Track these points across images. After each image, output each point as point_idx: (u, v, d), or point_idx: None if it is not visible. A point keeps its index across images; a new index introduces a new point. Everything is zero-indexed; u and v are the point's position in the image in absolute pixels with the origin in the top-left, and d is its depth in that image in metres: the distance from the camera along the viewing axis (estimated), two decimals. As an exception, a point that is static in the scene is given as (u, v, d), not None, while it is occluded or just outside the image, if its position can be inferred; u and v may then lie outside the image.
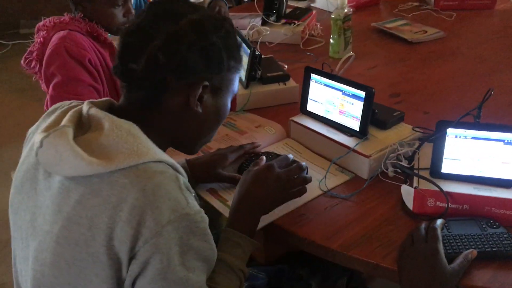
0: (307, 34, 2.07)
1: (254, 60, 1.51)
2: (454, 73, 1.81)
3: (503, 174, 1.09)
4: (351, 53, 1.53)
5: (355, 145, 1.22)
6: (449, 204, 1.06)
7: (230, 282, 0.94)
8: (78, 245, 0.80)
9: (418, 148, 1.20)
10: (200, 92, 0.90)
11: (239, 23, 2.13)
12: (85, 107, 0.88)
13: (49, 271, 0.83)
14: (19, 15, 4.66)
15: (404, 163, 1.19)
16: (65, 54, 1.40)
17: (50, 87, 1.43)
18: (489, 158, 1.09)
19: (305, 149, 1.33)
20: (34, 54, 1.48)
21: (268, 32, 2.04)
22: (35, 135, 0.91)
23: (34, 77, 1.54)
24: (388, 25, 2.19)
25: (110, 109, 0.89)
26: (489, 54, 1.95)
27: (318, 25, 2.15)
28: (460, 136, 1.09)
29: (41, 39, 1.46)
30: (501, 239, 1.00)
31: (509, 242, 0.99)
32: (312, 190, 1.17)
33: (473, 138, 1.09)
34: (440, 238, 0.97)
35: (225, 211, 1.13)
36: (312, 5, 2.46)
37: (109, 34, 1.55)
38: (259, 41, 2.02)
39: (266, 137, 1.37)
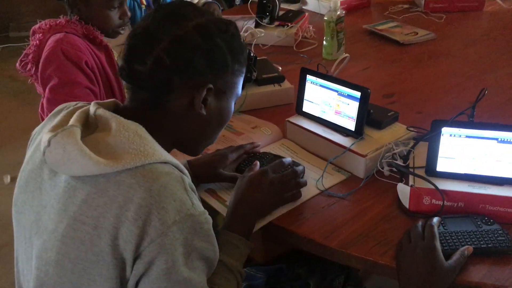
0: (300, 36, 2.10)
1: (250, 61, 1.52)
2: (445, 73, 1.84)
3: (497, 172, 1.11)
4: (345, 54, 1.55)
5: (351, 145, 1.24)
6: (445, 202, 1.08)
7: (228, 283, 0.95)
8: (83, 244, 0.80)
9: (413, 147, 1.22)
10: (204, 94, 0.91)
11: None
12: (92, 107, 0.88)
13: (53, 270, 0.83)
14: (8, 18, 4.64)
15: (400, 162, 1.21)
16: (61, 56, 1.40)
17: (47, 90, 1.43)
18: (483, 156, 1.11)
19: (301, 150, 1.35)
20: (30, 56, 1.48)
21: (262, 34, 2.05)
22: (40, 135, 0.91)
23: (29, 80, 1.54)
24: (379, 27, 2.21)
25: (115, 110, 0.90)
26: (479, 55, 1.99)
27: (311, 27, 2.17)
28: (454, 135, 1.11)
29: (37, 41, 1.46)
30: (495, 235, 1.02)
31: (503, 238, 1.01)
32: (310, 190, 1.19)
33: (467, 136, 1.11)
34: (437, 235, 0.99)
35: (224, 211, 1.14)
36: (304, 7, 2.48)
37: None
38: (254, 43, 2.04)
39: (262, 138, 1.38)
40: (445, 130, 1.11)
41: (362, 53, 2.01)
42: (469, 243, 1.00)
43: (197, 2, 2.18)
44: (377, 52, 2.05)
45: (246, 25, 2.09)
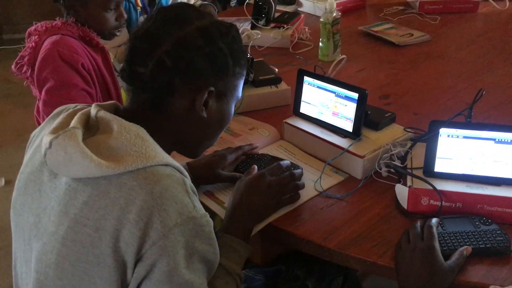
0: (296, 38, 2.10)
1: (247, 64, 1.52)
2: (441, 74, 1.85)
3: (494, 172, 1.11)
4: (342, 55, 1.55)
5: (349, 146, 1.24)
6: (443, 202, 1.09)
7: (227, 286, 0.95)
8: (84, 246, 0.80)
9: (410, 148, 1.23)
10: (205, 97, 0.91)
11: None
12: (93, 109, 0.88)
13: (53, 273, 0.83)
14: (2, 20, 4.61)
15: (397, 163, 1.21)
16: (58, 58, 1.40)
17: (43, 92, 1.42)
18: (480, 156, 1.11)
19: (299, 151, 1.35)
20: (26, 59, 1.47)
21: (259, 36, 2.05)
22: (40, 137, 0.91)
23: (25, 82, 1.53)
24: (374, 29, 2.22)
25: (115, 112, 0.90)
26: (474, 56, 2.00)
27: (307, 29, 2.17)
28: (452, 136, 1.12)
29: (33, 43, 1.46)
30: (494, 235, 1.02)
31: (501, 238, 1.02)
32: (308, 191, 1.19)
33: (465, 137, 1.11)
34: (436, 236, 0.99)
35: (222, 213, 1.14)
36: (299, 9, 2.48)
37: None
38: (250, 45, 2.04)
39: (260, 139, 1.38)
40: (443, 131, 1.12)
41: (357, 54, 2.02)
42: (467, 243, 1.01)
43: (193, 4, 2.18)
44: (372, 53, 2.06)
45: (242, 27, 2.09)
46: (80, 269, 0.80)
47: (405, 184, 1.16)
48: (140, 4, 2.16)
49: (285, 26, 2.11)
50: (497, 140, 1.10)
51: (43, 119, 1.45)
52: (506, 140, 1.09)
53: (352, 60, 1.91)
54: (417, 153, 1.22)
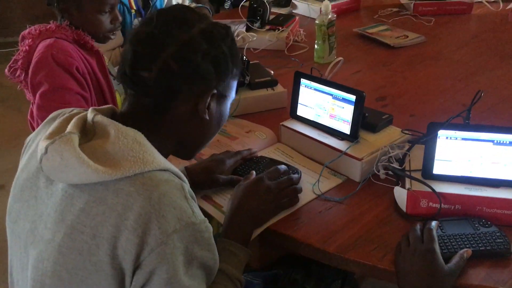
0: (291, 40, 2.09)
1: (242, 66, 1.51)
2: (436, 76, 1.85)
3: (493, 174, 1.11)
4: (339, 58, 1.54)
5: (347, 148, 1.23)
6: (442, 204, 1.08)
7: None
8: (81, 254, 0.78)
9: (408, 150, 1.22)
10: (209, 100, 0.91)
11: (223, 30, 2.13)
12: (90, 114, 0.87)
13: (50, 281, 0.81)
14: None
15: (396, 165, 1.21)
16: (52, 62, 1.38)
17: (37, 96, 1.40)
18: (479, 158, 1.11)
19: (296, 153, 1.34)
20: (19, 62, 1.45)
21: (254, 38, 2.05)
22: (35, 142, 0.90)
23: (19, 86, 1.52)
24: (369, 31, 2.22)
25: (112, 116, 0.89)
26: (469, 57, 2.00)
27: (302, 31, 2.16)
28: (450, 138, 1.11)
29: (27, 47, 1.44)
30: (493, 237, 1.02)
31: (501, 240, 1.01)
32: (306, 194, 1.18)
33: (463, 139, 1.11)
34: (436, 238, 0.99)
35: (220, 217, 1.13)
36: (294, 11, 2.48)
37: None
38: (245, 47, 2.03)
39: (257, 142, 1.37)
40: (441, 133, 1.11)
41: (353, 56, 2.01)
42: (467, 245, 1.00)
43: (187, 7, 2.17)
44: (368, 55, 2.05)
45: (237, 29, 2.08)
46: (77, 277, 0.79)
47: (403, 186, 1.15)
48: (134, 7, 2.15)
49: (280, 28, 2.10)
50: (495, 141, 1.09)
51: (37, 124, 1.44)
52: (504, 142, 1.09)
53: (348, 62, 1.91)
54: (415, 155, 1.21)
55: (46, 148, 0.80)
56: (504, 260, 1.00)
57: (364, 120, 1.28)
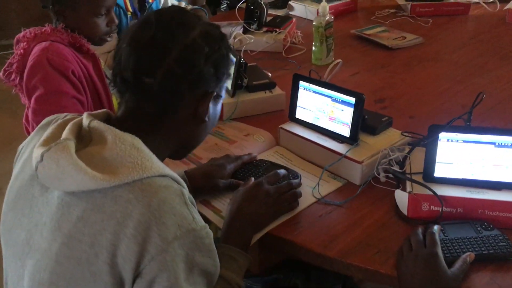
0: (289, 42, 2.08)
1: (240, 68, 1.50)
2: (435, 77, 1.84)
3: (494, 176, 1.10)
4: (337, 60, 1.53)
5: (347, 151, 1.22)
6: (444, 207, 1.07)
7: None
8: (79, 263, 0.77)
9: (409, 152, 1.21)
10: (209, 102, 0.91)
11: (220, 32, 2.12)
12: (85, 119, 0.85)
13: (47, 291, 0.79)
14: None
15: (396, 168, 1.19)
16: (47, 66, 1.36)
17: (32, 100, 1.38)
18: (480, 161, 1.10)
19: (296, 157, 1.33)
20: (14, 66, 1.43)
21: (252, 41, 2.03)
22: (28, 149, 0.88)
23: (13, 90, 1.50)
24: (367, 32, 2.20)
25: (107, 120, 0.87)
26: (468, 58, 1.99)
27: (299, 33, 2.15)
28: (452, 140, 1.10)
29: (21, 50, 1.42)
30: (496, 241, 1.01)
31: (504, 244, 1.00)
32: (306, 198, 1.17)
33: (464, 141, 1.10)
34: (439, 243, 0.97)
35: (219, 222, 1.11)
36: (291, 13, 2.46)
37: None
38: (243, 49, 2.01)
39: (256, 146, 1.36)
40: (443, 135, 1.10)
41: (351, 58, 2.00)
42: (470, 249, 0.99)
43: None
44: (366, 57, 2.04)
45: (234, 32, 2.07)
46: (75, 286, 0.77)
47: (404, 189, 1.14)
48: (130, 9, 2.13)
49: (278, 30, 2.09)
50: (497, 144, 1.08)
51: (33, 128, 1.42)
52: (506, 144, 1.08)
53: (346, 64, 1.89)
54: (416, 157, 1.20)
55: (42, 156, 0.78)
56: (508, 264, 0.98)
57: (364, 123, 1.27)
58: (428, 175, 1.13)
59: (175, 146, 0.94)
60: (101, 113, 0.89)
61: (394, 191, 1.15)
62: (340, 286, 1.28)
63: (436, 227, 1.01)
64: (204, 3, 3.03)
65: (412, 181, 1.13)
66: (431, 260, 0.94)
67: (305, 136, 1.31)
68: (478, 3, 2.50)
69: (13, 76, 1.45)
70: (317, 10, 1.93)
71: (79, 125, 0.85)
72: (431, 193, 1.08)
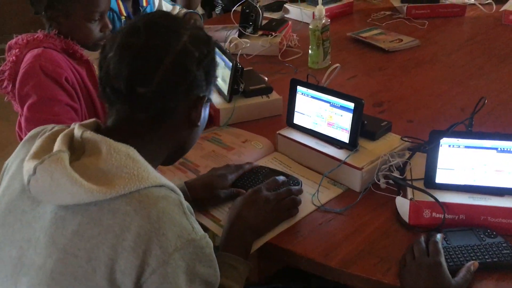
0: (285, 45, 2.06)
1: (236, 73, 1.48)
2: (433, 80, 1.83)
3: (497, 182, 1.08)
4: (335, 64, 1.51)
5: (346, 157, 1.20)
6: (446, 214, 1.05)
7: None
8: (76, 280, 0.74)
9: (409, 158, 1.19)
10: (202, 106, 0.90)
11: (216, 36, 2.10)
12: (77, 130, 0.82)
13: (42, 309, 0.77)
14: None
15: (396, 174, 1.18)
16: (40, 73, 1.33)
17: (25, 108, 1.36)
18: (482, 166, 1.08)
19: (294, 163, 1.31)
20: (6, 73, 1.40)
21: (248, 45, 2.01)
22: (15, 163, 0.85)
23: (6, 98, 1.47)
24: (363, 35, 2.19)
25: (96, 130, 0.84)
26: (464, 60, 1.98)
27: (295, 36, 2.13)
28: (453, 146, 1.09)
29: (14, 57, 1.39)
30: (500, 248, 0.99)
31: (508, 251, 0.98)
32: (306, 206, 1.15)
33: (466, 147, 1.08)
34: (442, 251, 0.95)
35: (218, 231, 1.09)
36: (286, 16, 2.44)
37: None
38: (239, 54, 1.99)
39: (254, 152, 1.34)
40: (444, 141, 1.08)
41: (347, 61, 1.98)
42: (473, 257, 0.97)
43: (178, 13, 2.13)
44: (362, 60, 2.03)
45: (229, 35, 2.04)
46: None
47: (405, 196, 1.12)
48: (124, 13, 2.11)
49: (273, 33, 2.07)
50: (499, 149, 1.07)
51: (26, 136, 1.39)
52: (508, 149, 1.06)
53: (343, 67, 1.86)
54: (416, 163, 1.18)
55: (35, 169, 0.75)
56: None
57: (363, 128, 1.25)
58: (429, 181, 1.11)
59: (168, 152, 0.92)
60: (90, 123, 0.87)
61: (395, 197, 1.13)
62: (340, 294, 1.26)
63: (439, 236, 0.99)
64: (199, 6, 3.01)
65: (413, 187, 1.11)
66: (435, 270, 0.92)
67: (303, 142, 1.29)
68: (474, 4, 2.50)
69: (5, 84, 1.42)
70: (313, 13, 1.90)
71: (70, 136, 0.82)
72: (432, 199, 1.06)
